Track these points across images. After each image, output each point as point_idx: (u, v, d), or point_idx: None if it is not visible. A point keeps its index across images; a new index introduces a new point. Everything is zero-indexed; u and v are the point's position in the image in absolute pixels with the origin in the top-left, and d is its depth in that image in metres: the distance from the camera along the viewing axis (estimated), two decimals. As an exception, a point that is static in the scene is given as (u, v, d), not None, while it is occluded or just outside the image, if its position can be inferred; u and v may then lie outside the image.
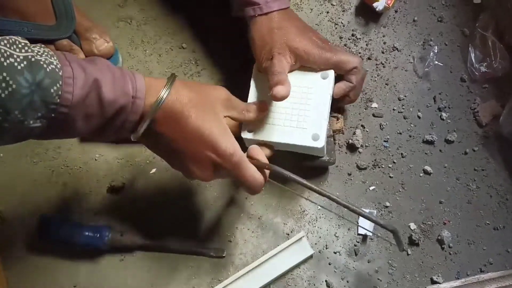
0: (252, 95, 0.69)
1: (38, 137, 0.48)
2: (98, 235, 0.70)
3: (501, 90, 0.79)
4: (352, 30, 0.82)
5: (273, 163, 0.61)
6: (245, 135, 0.67)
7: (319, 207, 0.75)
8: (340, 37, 0.82)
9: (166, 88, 0.52)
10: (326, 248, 0.73)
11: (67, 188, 0.76)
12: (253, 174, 0.57)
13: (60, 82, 0.44)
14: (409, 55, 0.81)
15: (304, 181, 0.60)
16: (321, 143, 0.65)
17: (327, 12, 0.84)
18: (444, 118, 0.78)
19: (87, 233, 0.70)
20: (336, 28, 0.83)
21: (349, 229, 0.74)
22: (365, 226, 0.73)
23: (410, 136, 0.78)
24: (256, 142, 0.68)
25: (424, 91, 0.80)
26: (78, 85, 0.45)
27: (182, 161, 0.56)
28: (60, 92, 0.44)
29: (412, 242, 0.73)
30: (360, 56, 0.81)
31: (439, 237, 0.73)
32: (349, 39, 0.82)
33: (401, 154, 0.77)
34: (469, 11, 0.84)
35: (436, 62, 0.80)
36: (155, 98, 0.51)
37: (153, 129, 0.53)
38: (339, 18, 0.83)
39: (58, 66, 0.44)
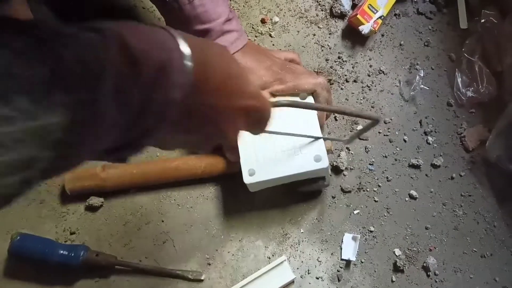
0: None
1: (50, 166, 0.29)
2: (73, 254, 0.67)
3: (488, 115, 0.79)
4: (339, 52, 0.82)
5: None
6: (248, 179, 0.66)
7: (302, 231, 0.73)
8: (326, 59, 0.82)
9: (175, 33, 0.35)
10: (308, 273, 0.71)
11: (43, 206, 0.74)
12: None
13: None
14: (395, 79, 0.81)
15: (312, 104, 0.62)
16: (325, 162, 0.65)
17: (314, 35, 0.84)
18: (430, 142, 0.77)
19: (61, 252, 0.68)
20: (322, 50, 0.83)
21: (332, 253, 0.72)
22: (349, 250, 0.71)
23: (395, 160, 0.77)
24: (262, 184, 0.67)
25: (410, 114, 0.79)
26: (94, 41, 0.30)
27: (214, 128, 0.42)
28: (76, 56, 0.29)
29: (397, 269, 0.71)
30: (337, 78, 0.80)
31: (425, 264, 0.71)
32: (335, 62, 0.82)
33: (387, 177, 0.75)
34: (456, 36, 0.84)
35: (423, 86, 0.79)
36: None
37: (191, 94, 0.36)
38: (325, 40, 0.83)
39: None
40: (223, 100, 0.40)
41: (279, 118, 0.68)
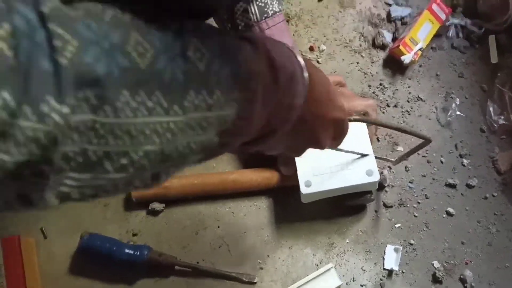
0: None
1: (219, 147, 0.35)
2: (138, 253, 0.73)
3: (518, 141, 0.86)
4: (380, 80, 0.90)
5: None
6: (305, 190, 0.72)
7: (347, 241, 0.78)
8: (369, 86, 0.89)
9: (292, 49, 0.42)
10: (353, 281, 0.76)
11: (108, 208, 0.80)
12: None
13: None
14: (432, 105, 0.88)
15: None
16: (376, 176, 0.71)
17: (357, 63, 0.91)
18: (465, 165, 0.84)
19: (127, 251, 0.73)
20: (365, 77, 0.90)
21: (375, 263, 0.77)
22: (391, 261, 0.76)
23: (433, 179, 0.83)
24: (316, 195, 0.73)
25: (446, 138, 0.86)
26: (251, 51, 0.36)
27: (311, 134, 0.46)
28: (245, 61, 0.35)
29: (436, 280, 0.76)
30: (379, 102, 0.88)
31: (462, 276, 0.76)
32: (377, 88, 0.89)
33: (425, 195, 0.82)
34: (487, 69, 0.92)
35: (458, 113, 0.86)
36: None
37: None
38: (368, 68, 0.91)
39: None
40: (323, 109, 0.45)
41: None
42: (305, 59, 0.43)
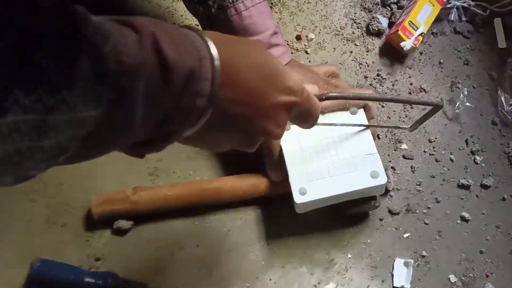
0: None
1: (80, 150, 0.30)
2: (100, 282, 0.61)
3: (535, 134, 0.76)
4: (377, 70, 0.80)
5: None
6: (299, 199, 0.61)
7: (349, 256, 0.67)
8: (365, 77, 0.79)
9: (206, 38, 0.36)
10: (359, 303, 0.65)
11: (65, 229, 0.67)
12: (317, 101, 0.47)
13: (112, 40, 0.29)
14: (437, 97, 0.79)
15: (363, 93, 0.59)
16: (383, 178, 0.60)
17: (351, 52, 0.81)
18: (478, 162, 0.74)
19: (87, 279, 0.61)
20: (360, 67, 0.80)
21: (383, 281, 0.66)
22: (402, 277, 0.66)
23: (444, 180, 0.73)
24: (312, 204, 0.62)
25: (455, 133, 0.76)
26: (131, 41, 0.30)
27: (252, 126, 0.41)
28: (115, 54, 0.29)
29: (454, 297, 0.65)
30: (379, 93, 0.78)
31: (483, 292, 0.66)
32: (374, 79, 0.79)
33: (436, 199, 0.71)
34: (494, 55, 0.82)
35: (467, 104, 0.76)
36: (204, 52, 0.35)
37: (218, 99, 0.36)
38: (363, 58, 0.81)
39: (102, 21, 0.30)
40: (258, 100, 0.40)
41: (333, 134, 0.64)
42: (227, 45, 0.37)
